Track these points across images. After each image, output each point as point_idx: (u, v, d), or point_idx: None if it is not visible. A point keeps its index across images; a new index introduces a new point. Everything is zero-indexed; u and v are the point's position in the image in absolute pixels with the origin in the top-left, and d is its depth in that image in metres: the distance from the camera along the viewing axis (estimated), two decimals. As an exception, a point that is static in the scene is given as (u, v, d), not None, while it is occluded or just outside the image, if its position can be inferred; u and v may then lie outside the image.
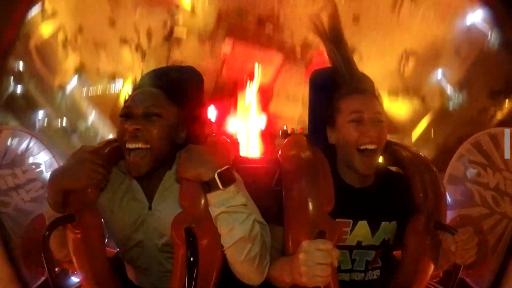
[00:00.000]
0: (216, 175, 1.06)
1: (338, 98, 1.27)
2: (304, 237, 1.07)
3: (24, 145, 1.62)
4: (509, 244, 1.47)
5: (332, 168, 1.26)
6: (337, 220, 1.18)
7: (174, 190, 1.17)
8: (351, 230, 1.21)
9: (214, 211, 1.08)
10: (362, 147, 1.17)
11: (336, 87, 1.31)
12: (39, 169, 1.71)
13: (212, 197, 1.07)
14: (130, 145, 1.12)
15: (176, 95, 1.22)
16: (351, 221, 1.21)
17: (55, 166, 1.81)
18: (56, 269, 1.21)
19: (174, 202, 1.14)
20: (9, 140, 1.58)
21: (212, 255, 1.08)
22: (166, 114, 1.16)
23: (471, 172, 1.67)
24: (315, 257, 0.90)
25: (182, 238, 1.06)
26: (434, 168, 1.29)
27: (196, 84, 1.40)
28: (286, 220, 1.15)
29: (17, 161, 1.61)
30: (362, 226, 1.22)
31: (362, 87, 1.28)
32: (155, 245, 1.20)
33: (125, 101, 1.20)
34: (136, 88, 1.26)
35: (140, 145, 1.11)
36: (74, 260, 1.18)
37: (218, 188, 1.06)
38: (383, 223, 1.23)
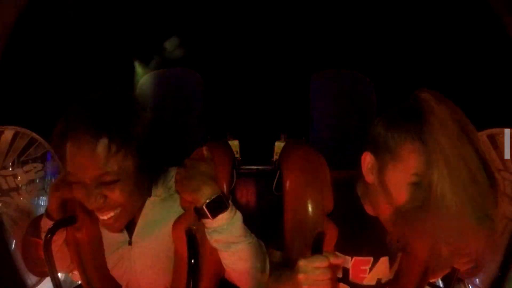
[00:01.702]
0: (204, 206, 0.98)
1: (401, 135, 0.92)
2: (303, 239, 1.07)
3: (25, 146, 1.63)
4: (509, 244, 1.47)
5: (351, 190, 1.13)
6: (354, 258, 1.12)
7: (157, 221, 1.10)
8: (371, 269, 1.14)
9: (208, 237, 1.04)
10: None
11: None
12: (40, 170, 1.71)
13: (205, 222, 1.02)
14: (103, 217, 1.01)
15: (127, 137, 0.93)
16: (371, 259, 1.13)
17: (57, 167, 1.81)
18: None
19: (157, 236, 1.09)
20: (11, 141, 1.58)
21: (213, 256, 1.08)
22: (124, 172, 0.95)
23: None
24: (314, 275, 0.88)
25: (182, 239, 1.07)
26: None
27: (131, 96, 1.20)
28: (285, 222, 1.15)
29: (19, 161, 1.62)
30: (383, 263, 1.14)
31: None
32: (139, 283, 1.14)
33: (64, 159, 0.94)
34: (68, 132, 0.91)
35: (112, 213, 1.01)
36: (74, 261, 1.18)
37: (208, 217, 1.00)
38: (399, 253, 1.15)
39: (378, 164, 0.98)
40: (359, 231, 1.11)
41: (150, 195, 1.11)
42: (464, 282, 1.56)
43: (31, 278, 1.54)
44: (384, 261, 1.14)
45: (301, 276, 0.89)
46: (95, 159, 0.89)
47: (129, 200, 1.00)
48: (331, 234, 1.10)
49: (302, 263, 0.90)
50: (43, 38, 1.43)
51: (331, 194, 1.14)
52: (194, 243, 1.06)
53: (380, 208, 1.01)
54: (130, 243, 1.12)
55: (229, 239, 1.02)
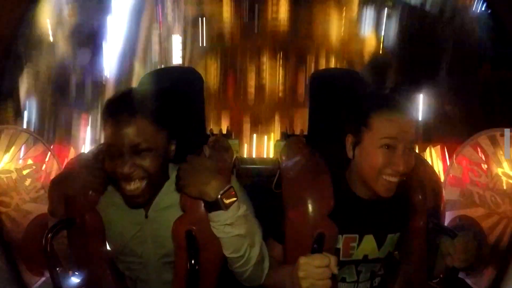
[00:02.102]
0: (219, 197, 1.02)
1: (370, 110, 1.12)
2: (304, 240, 1.08)
3: (25, 145, 1.63)
4: (509, 244, 1.47)
5: (342, 177, 1.22)
6: (344, 236, 1.17)
7: (172, 198, 1.15)
8: (358, 245, 1.20)
9: (216, 229, 1.06)
10: (387, 177, 1.10)
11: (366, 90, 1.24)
12: (40, 170, 1.71)
13: (214, 216, 1.04)
14: (130, 187, 1.07)
15: (159, 116, 1.10)
16: (357, 236, 1.19)
17: (56, 166, 1.81)
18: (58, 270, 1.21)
19: (171, 211, 1.12)
20: (10, 140, 1.58)
21: (213, 257, 1.09)
22: (155, 144, 1.08)
23: (470, 172, 1.68)
24: (314, 274, 0.90)
25: (182, 240, 1.07)
26: (433, 169, 1.29)
27: (185, 95, 1.35)
28: (286, 223, 1.15)
29: (18, 161, 1.62)
30: (369, 241, 1.20)
31: (402, 105, 1.13)
32: (154, 255, 1.18)
33: (105, 135, 1.08)
34: (113, 112, 1.08)
35: (136, 184, 1.07)
36: (75, 262, 1.18)
37: (221, 209, 1.03)
38: (389, 235, 1.22)
39: (356, 139, 1.14)
40: (346, 211, 1.16)
41: (168, 178, 1.18)
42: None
43: (31, 278, 1.54)
44: (369, 238, 1.19)
45: (301, 274, 0.91)
46: (133, 129, 1.04)
47: (155, 173, 1.09)
48: (331, 234, 1.11)
49: (303, 261, 0.92)
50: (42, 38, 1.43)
51: (331, 193, 1.14)
52: (194, 244, 1.06)
53: (365, 173, 1.13)
54: (146, 216, 1.17)
55: (239, 230, 1.06)
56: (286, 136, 1.82)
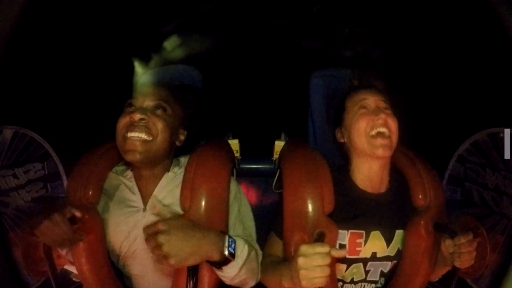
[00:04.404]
0: (226, 253, 1.01)
1: (344, 99, 1.30)
2: (304, 239, 1.07)
3: (25, 145, 1.63)
4: (509, 244, 1.47)
5: (345, 172, 1.25)
6: (350, 231, 1.18)
7: (171, 192, 1.17)
8: (365, 242, 1.20)
9: (228, 277, 1.07)
10: (374, 132, 1.16)
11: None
12: (40, 170, 1.71)
13: (227, 269, 1.04)
14: (132, 134, 1.10)
15: (182, 98, 1.23)
16: (363, 232, 1.19)
17: (56, 167, 1.81)
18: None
19: (169, 205, 1.14)
20: (11, 140, 1.58)
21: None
22: (172, 111, 1.18)
23: (470, 172, 1.68)
24: (313, 260, 0.89)
25: None
26: (433, 169, 1.29)
27: (198, 89, 1.40)
28: (286, 221, 1.15)
29: (18, 161, 1.62)
30: (376, 237, 1.20)
31: (366, 84, 1.30)
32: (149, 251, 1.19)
33: (133, 92, 1.21)
34: (141, 83, 1.29)
35: (142, 135, 1.10)
36: (75, 261, 1.18)
37: (231, 261, 1.03)
38: (397, 231, 1.22)
39: (340, 126, 1.29)
40: (352, 207, 1.18)
41: (168, 170, 1.21)
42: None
43: (31, 278, 1.54)
44: (376, 235, 1.19)
45: (300, 260, 0.90)
46: (159, 91, 1.18)
47: (160, 137, 1.13)
48: (331, 234, 1.10)
49: (303, 247, 0.91)
50: (43, 38, 1.43)
51: (332, 193, 1.14)
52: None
53: (357, 143, 1.21)
54: (144, 210, 1.18)
55: (249, 265, 1.08)
56: (286, 136, 1.82)
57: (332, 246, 1.11)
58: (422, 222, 1.21)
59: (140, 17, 1.76)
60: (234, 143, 1.76)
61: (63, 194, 1.61)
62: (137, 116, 1.10)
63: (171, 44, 1.89)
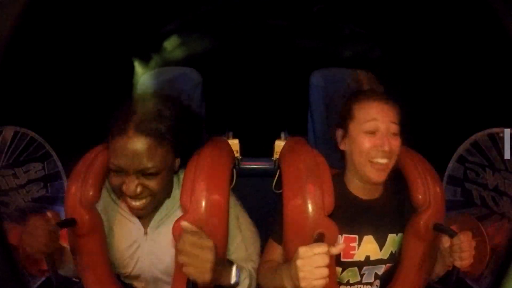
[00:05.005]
0: (232, 282, 1.05)
1: (353, 103, 1.23)
2: (303, 240, 1.07)
3: (25, 145, 1.63)
4: (509, 244, 1.46)
5: (340, 177, 1.26)
6: (344, 235, 1.20)
7: (171, 217, 1.17)
8: (359, 245, 1.21)
9: None
10: (375, 160, 1.15)
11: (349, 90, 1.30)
12: (40, 170, 1.71)
13: None
14: (131, 202, 1.08)
15: (171, 138, 1.08)
16: (356, 236, 1.21)
17: (56, 167, 1.81)
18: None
19: (170, 231, 1.11)
20: (11, 140, 1.58)
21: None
22: (162, 166, 1.07)
23: (470, 172, 1.68)
24: (312, 262, 0.89)
25: None
26: (433, 169, 1.29)
27: (189, 107, 1.31)
28: (285, 222, 1.15)
29: (18, 161, 1.62)
30: (369, 241, 1.22)
31: (380, 93, 1.23)
32: (153, 272, 1.20)
33: (113, 151, 1.05)
34: (120, 129, 1.04)
35: (141, 201, 1.09)
36: (75, 262, 1.18)
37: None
38: (389, 235, 1.24)
39: (345, 130, 1.23)
40: (346, 212, 1.18)
41: (169, 197, 1.19)
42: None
43: (31, 278, 1.54)
44: (369, 239, 1.21)
45: (299, 262, 0.90)
46: (143, 153, 1.02)
47: (161, 191, 1.11)
48: (331, 234, 1.10)
49: (302, 249, 0.91)
50: (43, 38, 1.43)
51: (332, 193, 1.14)
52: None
53: (356, 161, 1.19)
54: (145, 233, 1.19)
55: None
56: (287, 135, 1.82)
57: (332, 245, 1.11)
58: (421, 222, 1.21)
59: (140, 17, 1.76)
60: (234, 143, 1.76)
61: (63, 194, 1.60)
62: (132, 192, 1.05)
63: (171, 44, 1.89)
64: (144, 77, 1.56)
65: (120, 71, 1.68)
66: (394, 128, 1.17)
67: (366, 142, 1.16)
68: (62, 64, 1.56)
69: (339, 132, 1.26)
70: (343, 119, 1.24)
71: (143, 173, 1.05)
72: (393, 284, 1.28)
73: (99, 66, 1.67)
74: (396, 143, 1.16)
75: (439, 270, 1.25)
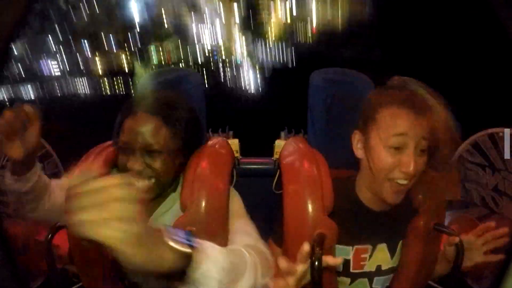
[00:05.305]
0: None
1: (378, 104, 1.04)
2: (303, 240, 1.08)
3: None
4: (509, 244, 1.47)
5: (351, 184, 1.20)
6: (355, 247, 1.16)
7: (173, 211, 1.16)
8: (370, 256, 1.17)
9: None
10: (395, 180, 1.03)
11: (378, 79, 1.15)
12: (40, 170, 1.70)
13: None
14: (136, 184, 1.07)
15: (176, 124, 1.13)
16: (370, 246, 1.17)
17: (56, 166, 1.81)
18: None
19: (171, 222, 1.11)
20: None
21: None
22: (167, 147, 1.11)
23: (470, 172, 1.68)
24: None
25: None
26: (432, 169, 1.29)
27: (197, 102, 1.35)
28: (285, 223, 1.15)
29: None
30: (381, 250, 1.18)
31: (412, 96, 1.01)
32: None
33: (121, 130, 1.11)
34: (130, 110, 1.12)
35: (144, 182, 1.10)
36: (75, 261, 1.18)
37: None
38: (400, 242, 1.20)
39: (364, 137, 1.07)
40: (357, 223, 1.15)
41: (175, 190, 1.20)
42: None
43: (31, 278, 1.54)
44: (382, 248, 1.17)
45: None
46: (149, 130, 1.08)
47: (163, 176, 1.11)
48: (331, 234, 1.10)
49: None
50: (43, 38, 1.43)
51: (331, 193, 1.14)
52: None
53: (374, 175, 1.05)
54: None
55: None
56: (287, 135, 1.82)
57: (332, 245, 1.11)
58: (422, 223, 1.21)
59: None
60: (234, 143, 1.76)
61: (63, 194, 1.60)
62: (136, 168, 1.08)
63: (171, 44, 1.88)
64: (144, 78, 1.56)
65: (119, 71, 1.68)
66: (424, 144, 0.99)
67: (389, 158, 0.99)
68: (61, 63, 1.55)
69: (356, 135, 1.11)
70: (364, 120, 1.07)
71: (147, 149, 1.09)
72: (393, 284, 1.27)
73: (99, 66, 1.67)
74: (422, 162, 1.00)
75: (440, 269, 1.25)
